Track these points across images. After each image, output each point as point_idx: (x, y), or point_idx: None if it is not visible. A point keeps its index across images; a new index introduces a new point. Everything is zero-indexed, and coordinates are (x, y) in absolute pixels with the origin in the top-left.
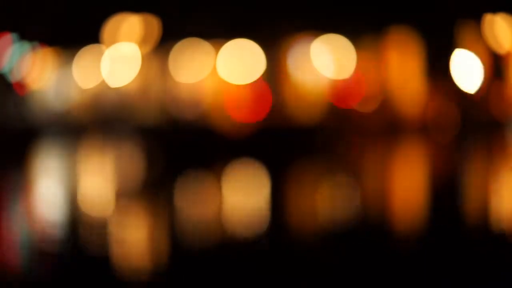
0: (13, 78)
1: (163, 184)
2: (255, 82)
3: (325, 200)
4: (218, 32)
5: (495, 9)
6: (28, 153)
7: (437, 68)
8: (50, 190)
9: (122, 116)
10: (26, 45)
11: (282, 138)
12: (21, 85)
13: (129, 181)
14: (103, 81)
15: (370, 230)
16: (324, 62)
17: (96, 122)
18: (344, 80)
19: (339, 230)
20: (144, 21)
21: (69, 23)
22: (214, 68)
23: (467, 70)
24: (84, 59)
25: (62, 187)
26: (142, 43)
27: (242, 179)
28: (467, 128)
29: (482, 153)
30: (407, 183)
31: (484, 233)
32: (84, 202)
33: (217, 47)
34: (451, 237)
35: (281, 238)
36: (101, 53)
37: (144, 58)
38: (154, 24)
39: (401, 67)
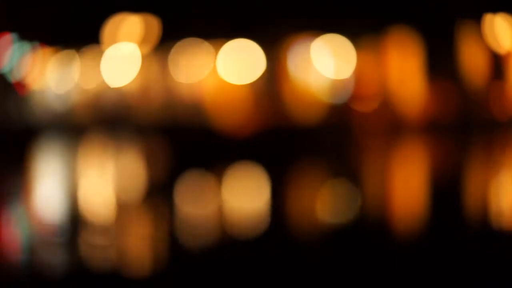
0: (13, 78)
1: (163, 184)
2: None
3: (326, 201)
4: (218, 32)
5: (495, 9)
6: (28, 153)
7: (437, 68)
8: (50, 190)
9: (122, 116)
10: (26, 45)
11: (282, 138)
12: (21, 85)
13: (129, 181)
14: (103, 81)
15: (371, 230)
16: (324, 62)
17: (96, 122)
18: (344, 80)
19: (340, 231)
20: (144, 21)
21: (69, 23)
22: (214, 68)
23: None
24: (84, 59)
25: (62, 188)
26: (142, 43)
27: (242, 180)
28: (467, 128)
29: (482, 153)
30: (407, 183)
31: (485, 233)
32: (85, 202)
33: (217, 47)
34: (452, 237)
35: (282, 240)
36: (101, 53)
37: (144, 58)
38: (154, 24)
39: (401, 67)
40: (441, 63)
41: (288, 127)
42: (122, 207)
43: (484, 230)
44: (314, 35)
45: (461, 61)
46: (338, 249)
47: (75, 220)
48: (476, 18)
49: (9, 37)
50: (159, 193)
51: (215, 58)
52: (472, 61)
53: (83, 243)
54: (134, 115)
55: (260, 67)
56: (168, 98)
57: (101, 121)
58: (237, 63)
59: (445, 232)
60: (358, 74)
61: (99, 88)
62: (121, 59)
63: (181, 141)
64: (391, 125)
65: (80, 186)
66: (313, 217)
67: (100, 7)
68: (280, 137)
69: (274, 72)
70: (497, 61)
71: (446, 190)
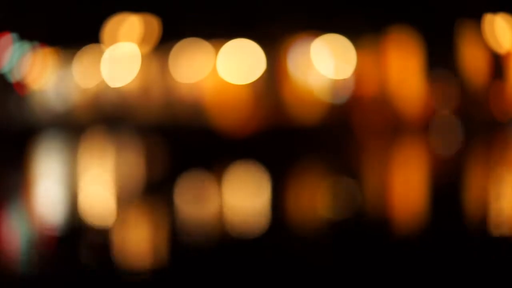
0: (13, 78)
1: (163, 184)
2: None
3: (326, 201)
4: (218, 32)
5: (495, 9)
6: (28, 153)
7: (437, 68)
8: (50, 190)
9: (122, 116)
10: (26, 45)
11: (282, 138)
12: (21, 85)
13: (128, 181)
14: (103, 81)
15: (371, 229)
16: (324, 62)
17: (96, 122)
18: (344, 80)
19: (340, 230)
20: (144, 21)
21: (69, 23)
22: (214, 68)
23: None
24: (84, 59)
25: (62, 188)
26: (142, 43)
27: (242, 179)
28: (467, 128)
29: (482, 153)
30: (407, 184)
31: (484, 233)
32: (85, 202)
33: (217, 47)
34: (451, 236)
35: (282, 239)
36: (101, 53)
37: (144, 58)
38: (154, 24)
39: (401, 67)
40: (441, 63)
41: (288, 127)
42: (122, 207)
43: (483, 229)
44: (314, 35)
45: (461, 61)
46: (338, 248)
47: (75, 220)
48: (476, 18)
49: (9, 37)
50: (158, 193)
51: (215, 58)
52: (472, 61)
53: (83, 243)
54: (134, 115)
55: (260, 67)
56: (168, 98)
57: (101, 121)
58: (237, 63)
59: (444, 231)
60: (358, 74)
61: (99, 88)
62: (121, 59)
63: (181, 141)
64: (391, 125)
65: (80, 186)
66: (313, 217)
67: (100, 7)
68: (280, 137)
69: (274, 72)
70: (497, 61)
71: (446, 190)
